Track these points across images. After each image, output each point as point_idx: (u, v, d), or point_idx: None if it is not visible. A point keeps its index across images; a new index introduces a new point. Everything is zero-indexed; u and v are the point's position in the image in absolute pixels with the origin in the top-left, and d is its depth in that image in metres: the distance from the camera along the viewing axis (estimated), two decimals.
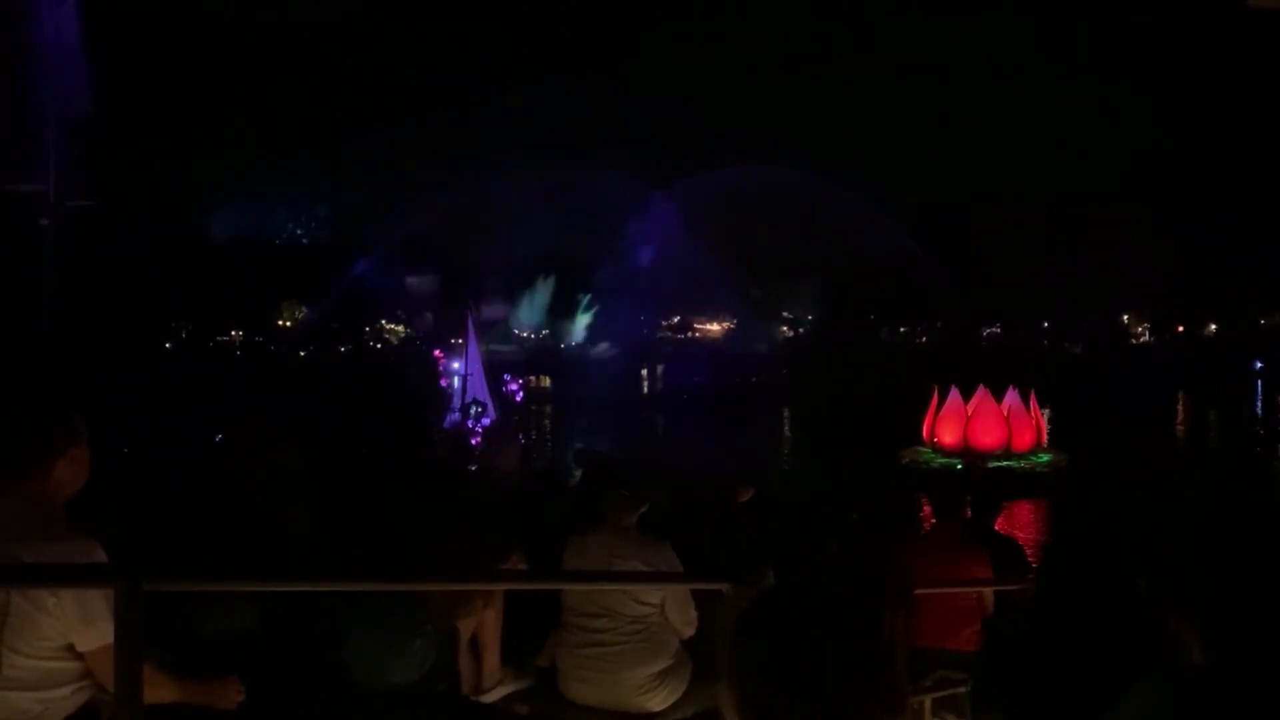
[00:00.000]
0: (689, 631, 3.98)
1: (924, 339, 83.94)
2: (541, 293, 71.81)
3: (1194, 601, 1.65)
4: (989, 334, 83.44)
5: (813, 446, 23.29)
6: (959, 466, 18.36)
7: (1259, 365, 55.87)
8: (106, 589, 2.39)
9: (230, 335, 71.55)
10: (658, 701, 3.86)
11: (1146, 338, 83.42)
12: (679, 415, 37.15)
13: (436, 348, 28.32)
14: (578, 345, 68.81)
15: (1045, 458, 19.01)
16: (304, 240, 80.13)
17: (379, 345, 76.60)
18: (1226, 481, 19.09)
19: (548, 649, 4.23)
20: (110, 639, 2.40)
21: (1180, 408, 41.08)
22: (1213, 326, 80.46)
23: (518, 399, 27.12)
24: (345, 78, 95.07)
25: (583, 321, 71.05)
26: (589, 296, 71.46)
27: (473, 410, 21.05)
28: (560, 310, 71.87)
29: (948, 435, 19.29)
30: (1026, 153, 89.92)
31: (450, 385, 23.51)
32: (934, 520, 5.37)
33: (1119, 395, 37.85)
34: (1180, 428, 35.45)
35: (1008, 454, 18.78)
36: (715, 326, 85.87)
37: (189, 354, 59.90)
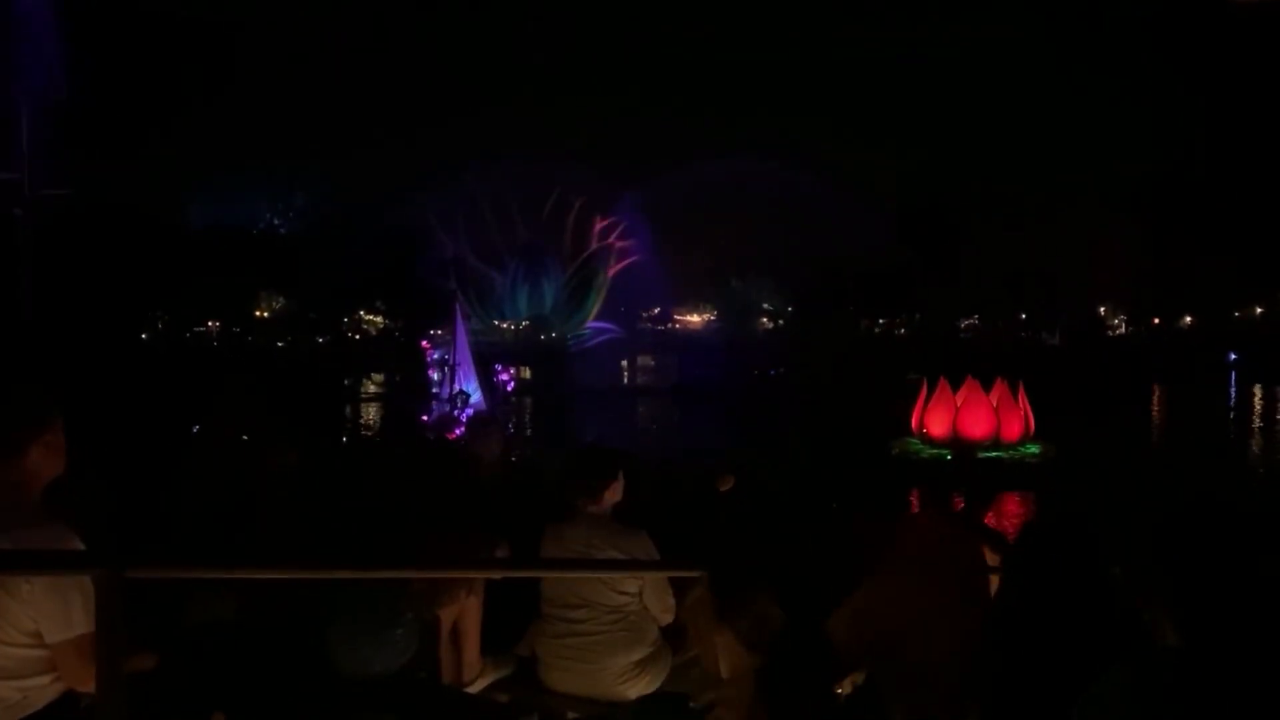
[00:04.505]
0: (668, 619, 4.00)
1: (903, 330, 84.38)
2: (522, 284, 71.65)
3: (1165, 587, 1.68)
4: (967, 325, 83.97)
5: (802, 436, 23.33)
6: (948, 457, 18.47)
7: (1233, 357, 56.47)
8: (85, 578, 2.38)
9: (207, 326, 70.97)
10: (637, 689, 3.89)
11: (1123, 330, 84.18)
12: (693, 409, 36.53)
13: (423, 339, 28.11)
14: (557, 336, 68.76)
15: (1034, 448, 19.13)
16: (281, 230, 79.42)
17: (357, 336, 76.21)
18: (1202, 471, 19.29)
19: (528, 638, 4.25)
20: (76, 632, 2.39)
21: (1156, 399, 41.47)
22: (1188, 319, 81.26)
23: (509, 389, 26.92)
24: (322, 66, 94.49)
25: (565, 312, 71.02)
26: (570, 288, 71.40)
27: (458, 401, 20.99)
28: (541, 302, 71.73)
29: (936, 426, 19.38)
30: (1004, 145, 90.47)
31: (440, 375, 23.41)
32: (920, 507, 5.40)
33: (1097, 386, 38.16)
34: (1157, 419, 35.80)
35: (996, 444, 18.90)
36: (695, 318, 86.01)
37: (166, 344, 59.41)
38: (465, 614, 4.48)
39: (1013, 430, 19.17)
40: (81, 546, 2.42)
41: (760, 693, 2.43)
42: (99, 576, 2.16)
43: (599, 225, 70.91)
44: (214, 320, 71.11)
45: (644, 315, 76.95)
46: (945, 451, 18.80)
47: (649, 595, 3.92)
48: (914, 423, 20.01)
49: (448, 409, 21.03)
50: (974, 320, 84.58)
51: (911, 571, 3.07)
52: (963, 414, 19.17)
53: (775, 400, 37.12)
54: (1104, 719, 1.62)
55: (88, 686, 2.40)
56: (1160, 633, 1.70)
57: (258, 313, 74.63)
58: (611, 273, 70.99)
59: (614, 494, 4.02)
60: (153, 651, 2.78)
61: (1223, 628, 1.62)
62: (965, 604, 3.05)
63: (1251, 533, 1.69)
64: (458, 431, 16.62)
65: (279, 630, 3.65)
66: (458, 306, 23.58)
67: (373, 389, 47.43)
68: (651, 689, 3.91)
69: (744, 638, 2.40)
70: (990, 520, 13.31)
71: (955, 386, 19.56)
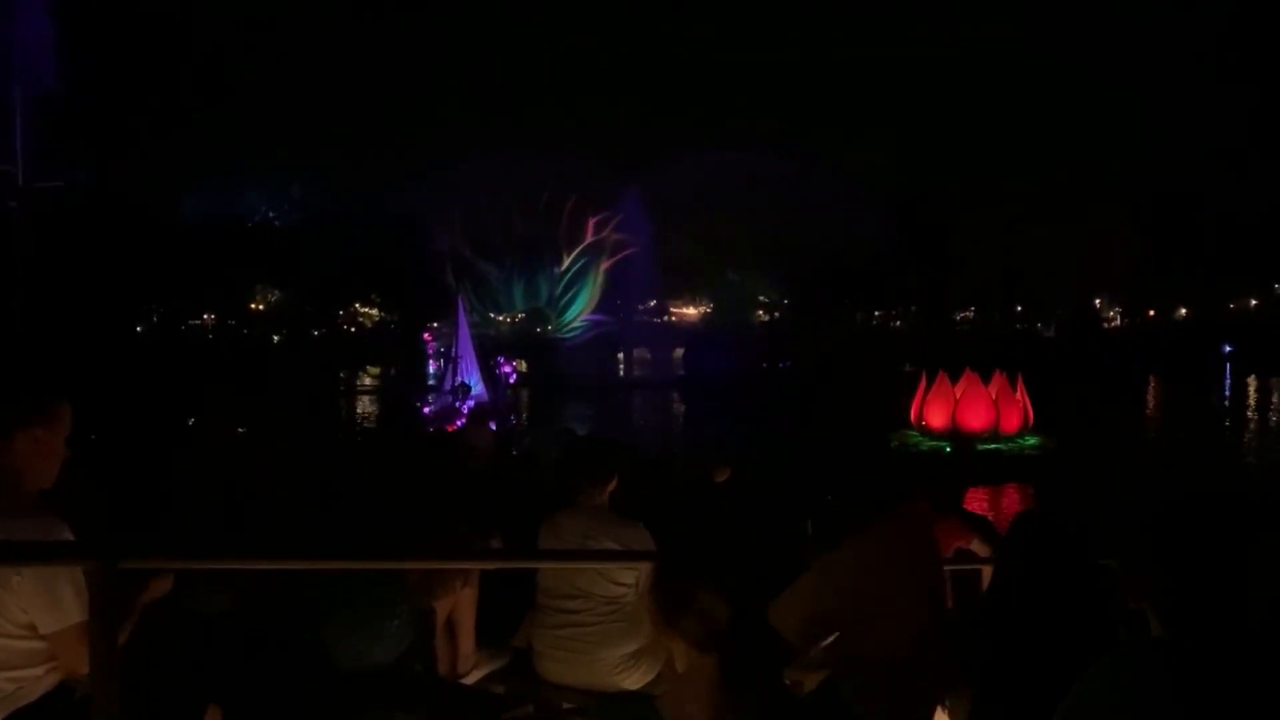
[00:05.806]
0: None
1: (898, 323, 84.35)
2: (518, 277, 71.53)
3: (1150, 579, 1.68)
4: (963, 318, 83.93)
5: (800, 428, 23.36)
6: (948, 449, 18.50)
7: (1228, 349, 56.56)
8: (78, 568, 2.37)
9: (202, 319, 70.83)
10: (633, 680, 3.89)
11: (1118, 322, 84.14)
12: (695, 402, 36.39)
13: (425, 331, 28.17)
14: (553, 329, 68.69)
15: (1033, 440, 19.16)
16: (276, 223, 79.16)
17: (352, 329, 76.11)
18: (1198, 463, 19.34)
19: (524, 629, 4.25)
20: (72, 621, 2.38)
21: (1153, 391, 41.54)
22: (1183, 310, 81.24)
23: (511, 380, 26.84)
24: (319, 59, 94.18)
25: (560, 305, 70.93)
26: (566, 280, 71.32)
27: (460, 393, 21.06)
28: (537, 294, 71.61)
29: (936, 418, 19.40)
30: (999, 138, 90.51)
31: (440, 368, 23.48)
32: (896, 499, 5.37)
33: (1094, 379, 38.20)
34: (1154, 410, 35.86)
35: (995, 436, 18.92)
36: (691, 310, 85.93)
37: (161, 337, 59.33)
38: (460, 604, 4.48)
39: (1012, 422, 19.19)
40: (72, 537, 2.41)
41: (721, 685, 2.42)
42: (93, 568, 2.16)
43: (595, 218, 70.82)
44: (209, 313, 70.96)
45: (640, 308, 76.85)
46: (944, 444, 18.83)
47: (645, 586, 3.92)
48: (913, 415, 20.03)
49: (450, 400, 21.10)
50: (969, 313, 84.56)
51: (865, 562, 3.07)
52: (962, 406, 19.19)
53: (781, 393, 37.04)
54: (1092, 712, 1.62)
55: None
56: (1150, 623, 1.71)
57: (253, 305, 74.46)
58: (607, 265, 70.88)
59: (613, 486, 4.04)
60: (149, 641, 2.76)
61: (1208, 620, 1.62)
62: (919, 596, 3.05)
63: (1243, 524, 1.69)
64: (459, 423, 16.66)
65: (275, 623, 3.65)
66: (460, 300, 23.62)
67: (368, 381, 47.42)
68: (647, 680, 3.91)
69: (690, 637, 2.37)
70: (983, 511, 13.32)
71: (953, 379, 19.60)
